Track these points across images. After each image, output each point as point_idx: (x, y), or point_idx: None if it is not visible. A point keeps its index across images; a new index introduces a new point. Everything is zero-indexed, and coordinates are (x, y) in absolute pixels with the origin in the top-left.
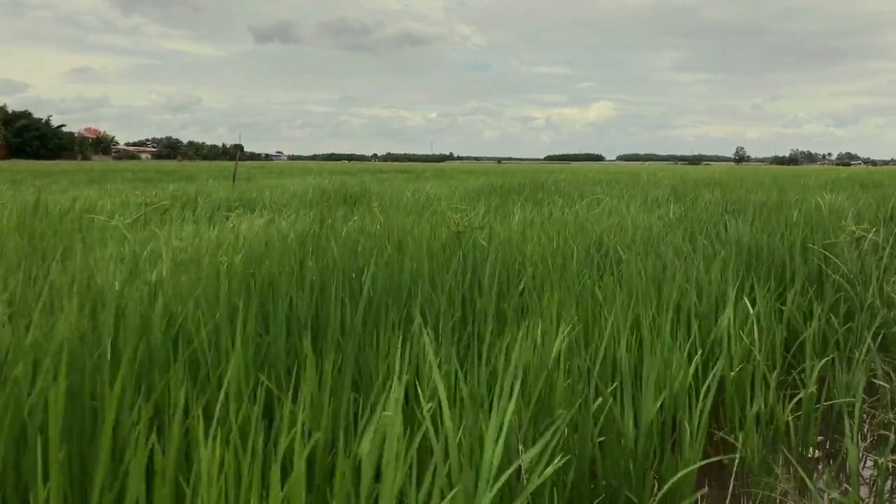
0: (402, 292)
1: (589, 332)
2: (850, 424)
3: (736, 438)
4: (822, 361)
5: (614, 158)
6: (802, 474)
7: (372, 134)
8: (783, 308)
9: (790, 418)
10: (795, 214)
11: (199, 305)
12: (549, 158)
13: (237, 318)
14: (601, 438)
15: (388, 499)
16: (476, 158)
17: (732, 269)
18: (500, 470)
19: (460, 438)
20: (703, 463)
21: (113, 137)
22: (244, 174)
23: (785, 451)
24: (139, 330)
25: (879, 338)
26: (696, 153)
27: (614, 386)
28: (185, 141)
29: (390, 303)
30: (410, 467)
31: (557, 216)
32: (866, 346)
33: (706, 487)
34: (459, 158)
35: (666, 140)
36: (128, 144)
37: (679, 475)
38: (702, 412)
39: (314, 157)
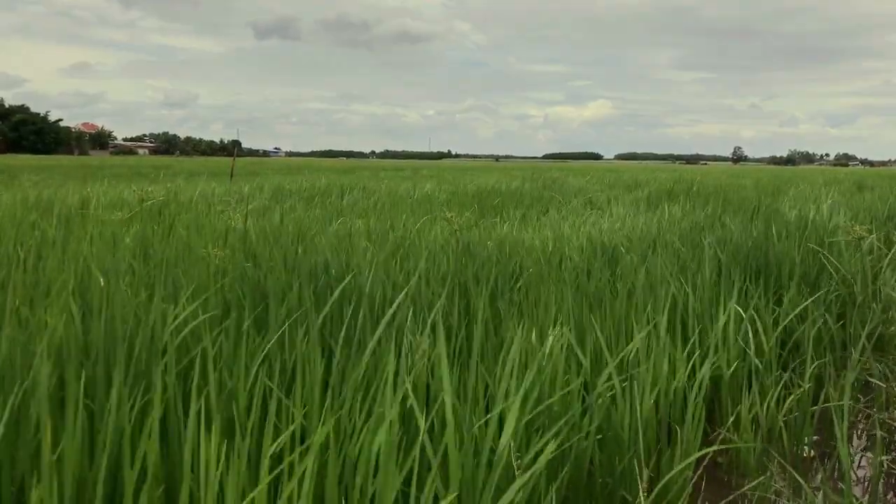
0: None
1: None
2: (844, 424)
3: (731, 438)
4: (818, 361)
5: (612, 157)
6: (797, 474)
7: (369, 131)
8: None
9: (785, 418)
10: None
11: None
12: (548, 157)
13: None
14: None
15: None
16: (474, 156)
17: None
18: None
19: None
20: (699, 453)
21: (110, 133)
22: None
23: (780, 450)
24: None
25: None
26: (693, 152)
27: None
28: (182, 137)
29: None
30: None
31: None
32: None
33: (702, 487)
34: (457, 156)
35: (663, 139)
36: (125, 140)
37: (674, 471)
38: (697, 410)
39: (311, 154)
